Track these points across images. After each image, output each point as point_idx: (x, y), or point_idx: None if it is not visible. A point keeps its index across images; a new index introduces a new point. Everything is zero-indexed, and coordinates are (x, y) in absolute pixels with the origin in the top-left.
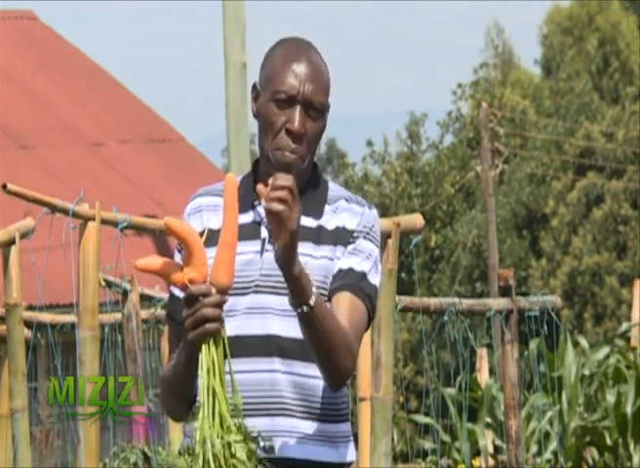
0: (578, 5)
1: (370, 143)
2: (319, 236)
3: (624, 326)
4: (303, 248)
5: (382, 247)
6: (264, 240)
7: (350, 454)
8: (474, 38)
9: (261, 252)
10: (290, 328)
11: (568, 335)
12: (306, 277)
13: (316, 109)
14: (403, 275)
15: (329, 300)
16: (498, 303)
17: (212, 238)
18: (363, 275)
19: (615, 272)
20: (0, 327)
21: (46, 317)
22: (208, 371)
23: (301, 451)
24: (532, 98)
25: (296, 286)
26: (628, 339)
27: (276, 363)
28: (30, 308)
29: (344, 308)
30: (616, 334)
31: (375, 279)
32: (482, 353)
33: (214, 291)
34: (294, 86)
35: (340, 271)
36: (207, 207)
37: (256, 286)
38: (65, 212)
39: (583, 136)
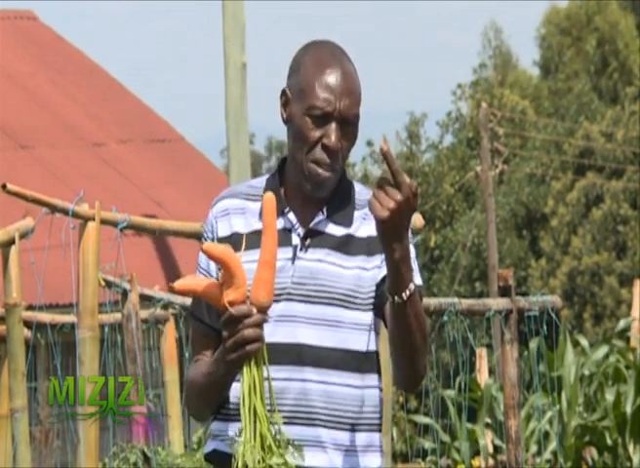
0: (576, 5)
1: (370, 143)
2: (349, 246)
3: (622, 323)
4: (332, 257)
5: None
6: (296, 247)
7: (376, 463)
8: (474, 38)
9: (293, 259)
10: (321, 336)
11: (567, 335)
12: (407, 268)
13: (351, 123)
14: None
15: (375, 309)
16: (497, 303)
17: (239, 241)
18: (421, 286)
19: (614, 272)
20: (0, 327)
21: (46, 317)
22: (249, 391)
23: (329, 461)
24: (531, 99)
25: (393, 272)
26: (628, 339)
27: (307, 372)
28: (30, 308)
29: None
30: (614, 334)
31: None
32: (482, 353)
33: (254, 310)
34: (330, 102)
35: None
36: (234, 210)
37: (288, 293)
38: (65, 212)
39: (583, 136)
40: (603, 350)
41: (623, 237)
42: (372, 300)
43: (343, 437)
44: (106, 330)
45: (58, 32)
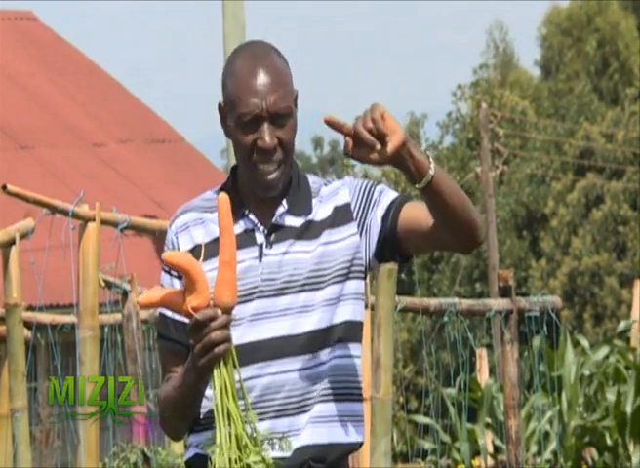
0: (576, 5)
1: None
2: (311, 231)
3: (623, 324)
4: (296, 246)
5: None
6: (261, 245)
7: (360, 434)
8: (474, 39)
9: (260, 257)
10: (302, 324)
11: (568, 336)
12: (418, 151)
13: (284, 116)
14: (403, 275)
15: (364, 273)
16: (497, 304)
17: (203, 252)
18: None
19: (614, 272)
20: (0, 327)
21: (46, 317)
22: (221, 393)
23: (330, 435)
24: (531, 99)
25: (407, 162)
26: (628, 340)
27: (296, 361)
28: (30, 308)
29: (420, 206)
30: (615, 334)
31: None
32: (482, 353)
33: (219, 312)
34: (256, 105)
35: (390, 203)
36: (193, 222)
37: (260, 291)
38: (65, 212)
39: (583, 136)
40: (603, 351)
41: (624, 238)
42: (342, 271)
43: (346, 407)
44: (106, 330)
45: (58, 32)
